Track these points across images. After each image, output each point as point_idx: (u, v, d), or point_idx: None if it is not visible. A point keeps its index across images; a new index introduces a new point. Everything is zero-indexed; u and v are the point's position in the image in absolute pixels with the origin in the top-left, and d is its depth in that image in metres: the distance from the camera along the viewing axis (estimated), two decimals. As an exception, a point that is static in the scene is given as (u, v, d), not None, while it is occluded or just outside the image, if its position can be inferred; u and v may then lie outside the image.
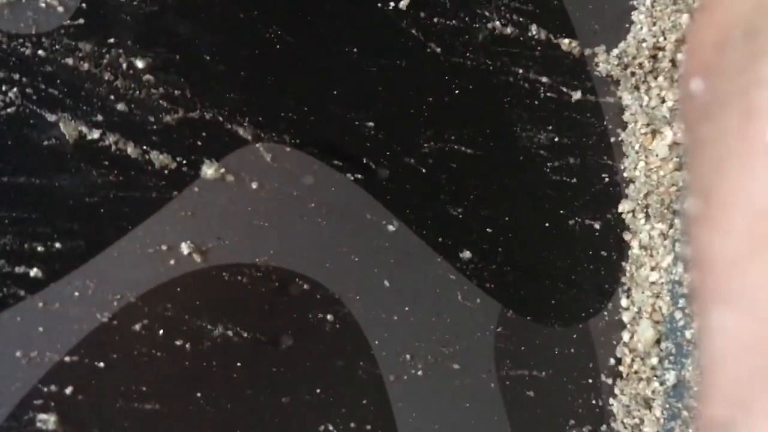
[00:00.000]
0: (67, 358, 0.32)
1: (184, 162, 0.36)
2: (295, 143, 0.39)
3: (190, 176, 0.36)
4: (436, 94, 0.43)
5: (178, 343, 0.35)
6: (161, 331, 0.35)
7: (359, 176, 0.41)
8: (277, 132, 0.39)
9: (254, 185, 0.38)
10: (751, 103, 0.17)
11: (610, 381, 0.47)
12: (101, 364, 0.33)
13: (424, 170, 0.43)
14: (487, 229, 0.44)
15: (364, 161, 0.41)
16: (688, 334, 0.43)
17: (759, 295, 0.16)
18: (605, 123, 0.50)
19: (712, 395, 0.17)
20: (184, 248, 0.36)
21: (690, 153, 0.19)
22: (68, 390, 0.32)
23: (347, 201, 0.40)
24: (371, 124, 0.41)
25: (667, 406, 0.43)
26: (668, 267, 0.46)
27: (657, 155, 0.48)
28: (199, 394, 0.35)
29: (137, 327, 0.34)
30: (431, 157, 0.43)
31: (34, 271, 0.32)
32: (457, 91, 0.44)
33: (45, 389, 0.32)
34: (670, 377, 0.44)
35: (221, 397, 0.35)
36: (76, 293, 0.33)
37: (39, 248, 0.33)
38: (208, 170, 0.37)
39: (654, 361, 0.45)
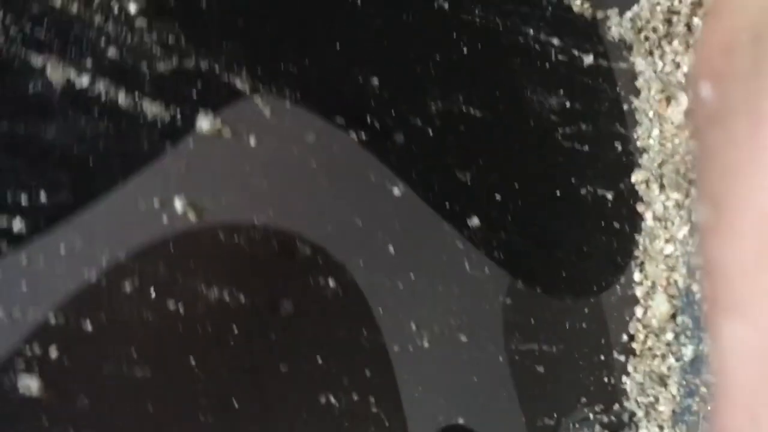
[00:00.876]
0: (52, 318, 0.30)
1: (178, 114, 0.34)
2: (296, 98, 0.37)
3: (185, 129, 0.34)
4: (444, 52, 0.41)
5: (170, 305, 0.33)
6: (153, 293, 0.32)
7: (363, 136, 0.38)
8: (276, 86, 0.37)
9: (252, 141, 0.35)
10: (760, 109, 0.16)
11: (622, 358, 0.45)
12: (88, 326, 0.31)
13: (431, 132, 0.40)
14: (496, 196, 0.42)
15: (368, 120, 0.39)
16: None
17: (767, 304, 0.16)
18: (618, 89, 0.48)
19: (723, 405, 0.17)
20: (178, 205, 0.33)
21: (700, 160, 0.19)
22: (53, 352, 0.30)
23: (350, 162, 0.38)
24: (375, 81, 0.39)
25: (684, 382, 0.41)
26: (684, 239, 0.44)
27: (672, 122, 0.46)
28: (193, 361, 0.33)
29: (127, 287, 0.32)
30: (438, 119, 0.41)
31: (17, 224, 0.30)
32: (465, 50, 0.42)
33: (28, 350, 0.30)
34: (688, 352, 0.42)
35: (217, 364, 0.33)
36: (63, 249, 0.31)
37: (23, 199, 0.30)
38: (204, 123, 0.34)
39: (669, 336, 0.43)
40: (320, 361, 0.36)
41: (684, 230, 0.44)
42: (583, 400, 0.43)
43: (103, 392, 0.31)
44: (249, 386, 0.34)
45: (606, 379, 0.44)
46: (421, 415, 0.38)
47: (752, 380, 0.16)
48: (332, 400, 0.36)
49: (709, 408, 0.40)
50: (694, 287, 0.42)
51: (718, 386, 0.17)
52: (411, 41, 0.41)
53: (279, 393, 0.34)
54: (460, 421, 0.39)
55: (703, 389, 0.40)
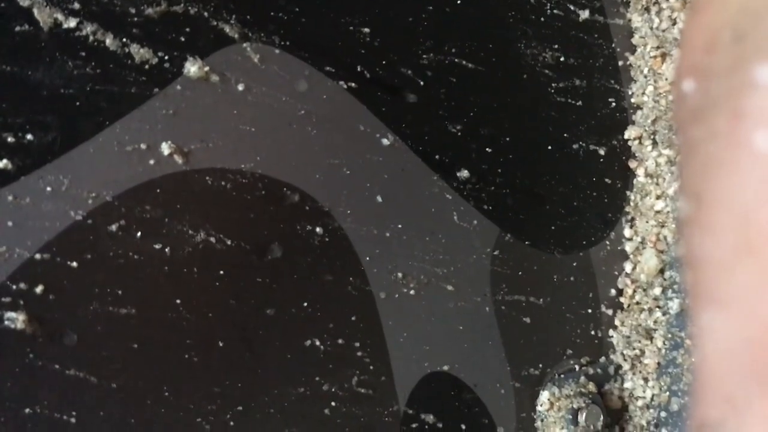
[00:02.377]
0: (37, 255, 0.31)
1: (166, 58, 0.34)
2: (285, 46, 0.37)
3: (173, 73, 0.34)
4: (437, 2, 0.41)
5: (156, 246, 0.33)
6: (139, 234, 0.33)
7: (353, 84, 0.38)
8: (265, 32, 0.37)
9: (240, 87, 0.36)
10: (739, 105, 0.17)
11: (610, 312, 0.45)
12: (74, 264, 0.31)
13: (422, 83, 0.40)
14: (487, 149, 0.42)
15: (359, 70, 0.39)
16: (693, 260, 0.42)
17: (746, 296, 0.17)
18: (613, 45, 0.47)
19: (703, 395, 0.18)
20: (165, 148, 0.34)
21: (682, 154, 0.20)
22: (38, 289, 0.31)
23: (339, 110, 0.38)
24: (367, 30, 0.39)
25: (670, 335, 0.42)
26: (675, 194, 0.44)
27: (667, 79, 0.46)
28: (178, 301, 0.33)
29: (113, 227, 0.32)
30: (430, 70, 0.41)
31: (3, 163, 0.30)
32: (458, 1, 0.42)
33: (14, 286, 0.30)
34: (674, 306, 0.42)
35: (202, 305, 0.34)
36: (49, 188, 0.31)
37: (9, 139, 0.31)
38: (192, 68, 0.34)
39: (657, 291, 0.44)
40: (306, 306, 0.36)
41: (675, 186, 0.44)
42: (569, 351, 0.43)
43: (89, 329, 0.31)
44: (234, 328, 0.34)
45: (593, 333, 0.44)
46: (407, 361, 0.38)
47: (731, 370, 0.17)
48: (317, 343, 0.36)
49: (693, 360, 0.41)
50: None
51: (698, 376, 0.18)
52: (402, -10, 0.40)
53: (264, 335, 0.35)
54: (445, 368, 0.39)
55: (688, 342, 0.40)
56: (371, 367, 0.37)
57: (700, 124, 0.18)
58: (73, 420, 0.31)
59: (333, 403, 0.36)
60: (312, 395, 0.36)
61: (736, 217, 0.17)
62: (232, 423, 0.34)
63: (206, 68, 0.35)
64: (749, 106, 0.17)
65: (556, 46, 0.45)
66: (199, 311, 0.34)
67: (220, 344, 0.34)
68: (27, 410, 0.30)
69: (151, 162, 0.33)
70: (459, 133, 0.41)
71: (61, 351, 0.31)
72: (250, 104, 0.36)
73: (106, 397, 0.31)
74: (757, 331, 0.17)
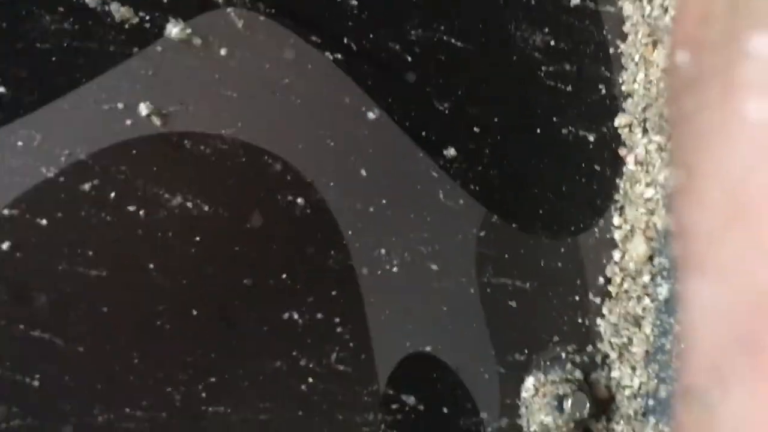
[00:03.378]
0: (5, 211, 0.30)
1: (147, 18, 0.33)
2: (270, 13, 0.36)
3: (154, 34, 0.33)
4: (426, -22, 0.41)
5: (131, 208, 0.32)
6: (113, 194, 0.32)
7: (339, 56, 0.38)
8: (250, -2, 0.36)
9: (223, 52, 0.35)
10: (732, 75, 0.17)
11: (598, 300, 0.44)
12: (44, 222, 0.30)
13: (410, 58, 0.40)
14: (475, 129, 0.41)
15: (345, 41, 0.38)
16: (683, 245, 0.41)
17: (734, 266, 0.17)
18: (604, 33, 0.47)
19: (689, 364, 0.18)
20: (143, 109, 0.33)
21: (673, 125, 0.20)
22: (5, 245, 0.29)
23: (325, 81, 0.37)
24: (354, 2, 0.38)
25: (659, 322, 0.41)
26: (665, 181, 0.43)
27: (657, 65, 0.45)
28: (151, 265, 0.32)
29: (86, 186, 0.31)
30: (418, 46, 0.40)
31: (-28, 114, 0.29)
32: (448, -21, 0.41)
33: (-21, 241, 0.29)
34: (663, 291, 0.41)
35: (176, 271, 0.33)
36: (20, 143, 0.30)
37: (-20, 90, 0.30)
38: (174, 29, 0.34)
39: (646, 279, 0.43)
40: (285, 278, 0.35)
41: (665, 172, 0.43)
42: (556, 338, 0.42)
43: (57, 289, 0.30)
44: (209, 296, 0.33)
45: (580, 320, 0.43)
46: (388, 340, 0.37)
47: (718, 339, 0.17)
48: (295, 316, 0.35)
49: (679, 328, 0.39)
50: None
51: (686, 343, 0.18)
52: (391, -36, 0.40)
53: (240, 306, 0.34)
54: (428, 349, 0.38)
55: (677, 327, 0.40)
56: (351, 344, 0.36)
57: (692, 96, 0.18)
58: (36, 383, 0.29)
59: (310, 380, 0.35)
60: (288, 370, 0.35)
61: (725, 187, 0.17)
62: (203, 395, 0.32)
63: (188, 30, 0.34)
64: (742, 76, 0.17)
65: (547, 30, 0.45)
66: (174, 277, 0.33)
67: (194, 312, 0.33)
68: (-13, 370, 0.28)
69: (128, 122, 0.32)
70: (446, 111, 0.41)
71: (27, 311, 0.30)
72: (233, 70, 0.35)
73: (72, 361, 0.30)
74: (743, 300, 0.17)
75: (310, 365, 0.35)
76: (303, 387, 0.35)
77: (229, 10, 0.35)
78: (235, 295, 0.34)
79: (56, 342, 0.30)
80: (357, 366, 0.36)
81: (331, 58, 0.38)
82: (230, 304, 0.34)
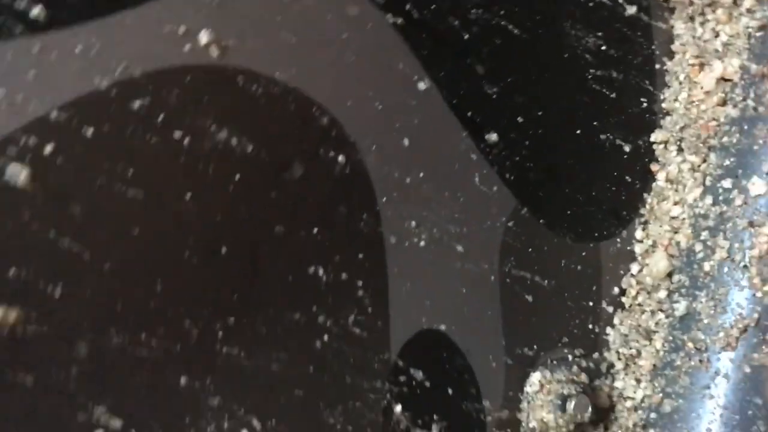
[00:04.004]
0: (53, 114, 0.29)
1: (221, -53, 0.33)
2: (341, -34, 0.36)
3: (225, -36, 0.33)
4: (494, -39, 0.40)
5: (176, 134, 0.31)
6: (161, 117, 0.31)
7: (399, 21, 0.37)
8: (324, -53, 0.35)
9: (289, -4, 0.34)
10: None
11: (610, 309, 0.44)
12: (89, 132, 0.29)
13: (467, 36, 0.39)
14: (518, 118, 0.41)
15: (408, 7, 0.38)
16: (707, 266, 0.41)
17: None
18: (653, 47, 0.47)
19: None
20: (203, 37, 0.32)
21: None
22: (48, 148, 0.28)
23: (382, 44, 0.37)
24: (422, -30, 0.38)
25: (671, 338, 0.41)
26: (694, 201, 0.43)
27: (702, 87, 0.45)
28: (188, 196, 0.31)
29: (136, 104, 0.30)
30: (476, 26, 0.40)
31: (37, 10, 0.29)
32: (515, -34, 0.41)
33: (23, 139, 0.28)
34: (680, 308, 0.41)
35: (212, 206, 0.32)
36: (78, 48, 0.29)
37: (46, -12, 0.29)
38: (245, -36, 0.33)
39: (662, 294, 0.43)
40: (316, 233, 0.34)
41: (696, 193, 0.43)
42: (565, 340, 0.42)
43: (92, 202, 0.29)
44: (240, 237, 0.33)
45: (590, 326, 0.43)
46: (405, 312, 0.37)
47: None
48: (320, 272, 0.34)
49: (692, 363, 0.40)
50: (697, 247, 0.42)
51: None
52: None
53: (269, 252, 0.33)
54: (442, 327, 0.38)
55: (689, 345, 0.40)
56: (369, 310, 0.36)
57: None
58: (57, 293, 0.28)
59: (325, 337, 0.34)
60: (306, 324, 0.34)
61: None
62: (220, 333, 0.32)
63: (259, -32, 0.33)
64: None
65: (600, 34, 0.44)
66: (208, 211, 0.32)
67: (223, 250, 0.32)
68: (12, 271, 0.28)
69: (187, 47, 0.32)
70: (494, 96, 0.40)
71: (60, 219, 0.29)
72: (296, 14, 0.34)
73: (97, 277, 0.29)
74: None
75: (328, 323, 0.34)
76: (317, 344, 0.34)
77: (302, -45, 0.35)
78: (266, 241, 0.33)
79: (83, 255, 0.29)
80: (372, 332, 0.36)
81: (391, 21, 0.37)
82: (260, 248, 0.33)
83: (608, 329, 0.44)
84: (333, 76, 0.35)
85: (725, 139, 0.43)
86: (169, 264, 0.31)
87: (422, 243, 0.38)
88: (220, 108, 0.32)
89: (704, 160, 0.44)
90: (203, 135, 0.32)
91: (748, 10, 0.45)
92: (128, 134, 0.30)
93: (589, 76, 0.44)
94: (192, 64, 0.32)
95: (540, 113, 0.42)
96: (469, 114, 0.40)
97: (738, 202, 0.41)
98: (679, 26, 0.47)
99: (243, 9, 0.33)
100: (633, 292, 0.44)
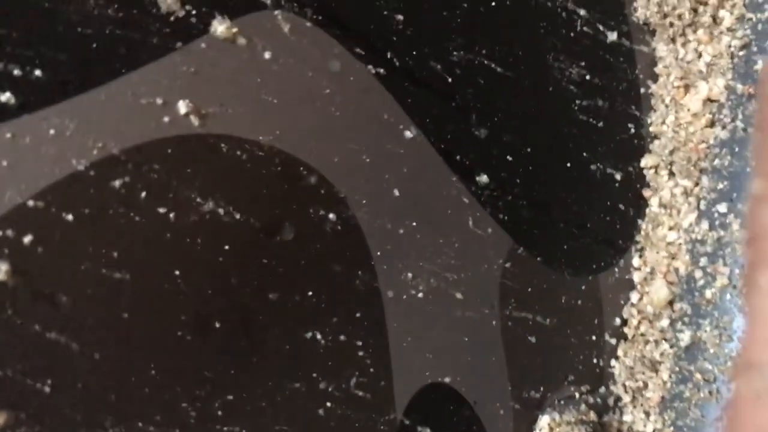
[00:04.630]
0: (30, 202, 0.28)
1: (194, 13, 0.32)
2: (317, 20, 0.35)
3: (198, 30, 0.32)
4: (472, 1, 0.40)
5: (161, 210, 0.30)
6: (143, 194, 0.30)
7: (381, 71, 0.37)
8: (299, 3, 0.35)
9: (267, 55, 0.33)
10: None
11: (613, 341, 0.43)
12: (70, 217, 0.28)
13: (450, 79, 0.39)
14: (508, 157, 0.41)
15: (388, 56, 0.37)
16: (708, 293, 0.40)
17: None
18: (636, 72, 0.47)
19: (753, 340, 0.21)
20: (182, 107, 0.31)
21: (762, 137, 0.23)
22: (27, 239, 0.27)
23: (365, 96, 0.36)
24: (400, 17, 0.37)
25: (677, 369, 0.40)
26: (689, 226, 0.43)
27: (688, 110, 0.45)
28: (177, 272, 0.30)
29: (117, 183, 0.29)
30: (459, 68, 0.39)
31: (5, 96, 0.27)
32: (493, 3, 0.41)
33: (0, 232, 0.27)
34: (684, 338, 0.40)
35: (202, 280, 0.31)
36: (52, 131, 0.28)
37: (16, 72, 0.28)
38: (220, 27, 0.32)
39: (664, 323, 0.42)
40: (311, 295, 0.34)
41: (690, 218, 0.43)
42: (571, 378, 0.41)
43: (77, 290, 0.28)
44: (233, 309, 0.31)
45: (595, 361, 0.42)
46: (408, 368, 0.36)
47: None
48: (318, 336, 0.33)
49: (701, 395, 0.39)
50: (697, 274, 0.41)
51: (751, 323, 0.21)
52: (441, -18, 0.39)
53: (264, 321, 0.32)
54: (447, 380, 0.37)
55: (697, 376, 0.39)
56: (371, 370, 0.35)
57: None
58: (47, 389, 0.27)
59: (328, 404, 0.33)
60: (307, 392, 0.33)
61: None
62: (219, 413, 0.31)
63: (234, 29, 0.33)
64: None
65: (583, 64, 0.44)
66: (199, 286, 0.31)
67: (217, 325, 0.31)
68: (-2, 372, 0.26)
69: (166, 119, 0.31)
70: (482, 137, 0.40)
71: (44, 311, 0.28)
72: (275, 74, 0.34)
73: (87, 368, 0.28)
74: None
75: (329, 389, 0.33)
76: (320, 411, 0.33)
77: (276, 12, 0.34)
78: (260, 310, 0.32)
79: (72, 346, 0.28)
80: (375, 393, 0.35)
81: (373, 72, 0.36)
82: (254, 318, 0.32)
83: (613, 362, 0.43)
84: (318, 133, 0.35)
85: (717, 161, 0.43)
86: (161, 346, 0.30)
87: (420, 294, 0.37)
88: (205, 178, 0.31)
89: (696, 184, 0.44)
90: (188, 208, 0.31)
91: (729, 29, 0.45)
92: (110, 215, 0.29)
93: (575, 107, 0.44)
94: (172, 136, 0.31)
95: (529, 150, 0.41)
96: (458, 157, 0.39)
97: (735, 226, 0.41)
98: (662, 48, 0.47)
99: (221, 74, 0.32)
100: (635, 322, 0.43)
